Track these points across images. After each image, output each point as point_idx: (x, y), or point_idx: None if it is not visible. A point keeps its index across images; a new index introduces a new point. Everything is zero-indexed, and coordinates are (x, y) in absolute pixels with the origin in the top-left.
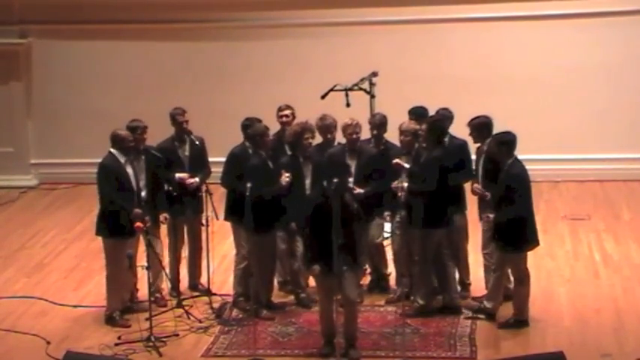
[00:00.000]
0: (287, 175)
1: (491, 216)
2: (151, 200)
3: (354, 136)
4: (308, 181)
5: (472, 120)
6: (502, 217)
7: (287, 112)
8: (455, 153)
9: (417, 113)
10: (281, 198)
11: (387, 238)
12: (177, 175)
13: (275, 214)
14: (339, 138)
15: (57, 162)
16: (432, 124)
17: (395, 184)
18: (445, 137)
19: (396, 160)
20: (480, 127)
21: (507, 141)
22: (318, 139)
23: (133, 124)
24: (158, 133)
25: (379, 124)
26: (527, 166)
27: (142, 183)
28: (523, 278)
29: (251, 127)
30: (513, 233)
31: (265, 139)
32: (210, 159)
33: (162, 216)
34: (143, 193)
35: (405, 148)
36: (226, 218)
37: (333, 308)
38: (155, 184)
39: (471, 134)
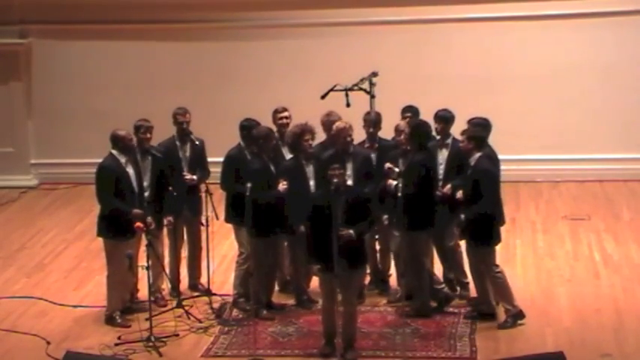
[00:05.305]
0: (284, 183)
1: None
2: (155, 201)
3: (347, 138)
4: (312, 183)
5: (471, 119)
6: (470, 215)
7: (285, 113)
8: (457, 156)
9: (411, 111)
10: (283, 202)
11: (377, 239)
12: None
13: (277, 217)
14: None
15: (57, 162)
16: (414, 129)
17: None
18: (428, 141)
19: (388, 165)
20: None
21: (476, 136)
22: (318, 138)
23: (138, 123)
24: (158, 134)
25: (374, 122)
26: (527, 166)
27: (146, 183)
28: (495, 272)
29: (254, 130)
30: (482, 229)
31: (269, 142)
32: (211, 159)
33: (167, 220)
34: (146, 194)
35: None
36: (227, 220)
37: (335, 308)
38: (159, 186)
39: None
